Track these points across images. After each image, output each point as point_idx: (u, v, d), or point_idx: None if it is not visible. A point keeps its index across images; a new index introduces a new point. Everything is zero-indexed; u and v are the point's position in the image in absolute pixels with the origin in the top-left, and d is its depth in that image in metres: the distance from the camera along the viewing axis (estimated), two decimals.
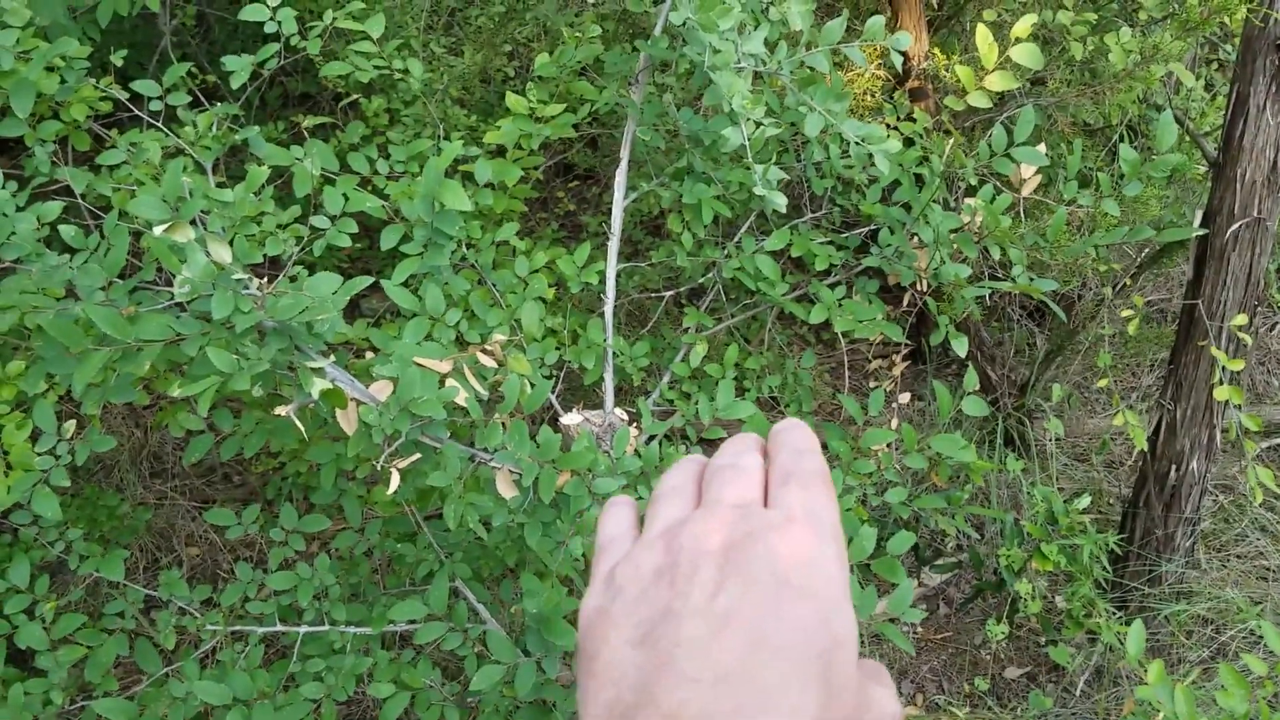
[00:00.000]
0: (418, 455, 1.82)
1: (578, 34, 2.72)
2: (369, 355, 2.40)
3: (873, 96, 3.15)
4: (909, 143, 2.85)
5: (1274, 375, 4.54)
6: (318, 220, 2.14)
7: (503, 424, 1.94)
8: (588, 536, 2.06)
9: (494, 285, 2.54)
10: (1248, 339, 2.93)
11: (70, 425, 1.84)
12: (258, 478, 4.57)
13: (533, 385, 2.28)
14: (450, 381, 2.01)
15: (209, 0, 5.29)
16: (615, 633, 0.45)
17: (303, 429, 1.71)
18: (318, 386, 1.67)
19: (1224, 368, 2.95)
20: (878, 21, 1.94)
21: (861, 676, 0.45)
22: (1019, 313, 4.51)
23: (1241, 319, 2.95)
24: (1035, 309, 4.50)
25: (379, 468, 1.71)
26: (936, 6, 3.39)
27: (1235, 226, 2.92)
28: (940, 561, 3.89)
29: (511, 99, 2.60)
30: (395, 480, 1.75)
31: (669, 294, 3.49)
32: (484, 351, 2.15)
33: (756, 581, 0.44)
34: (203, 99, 4.10)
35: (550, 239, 4.88)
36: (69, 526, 2.51)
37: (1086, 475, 4.25)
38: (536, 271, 2.62)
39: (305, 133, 2.14)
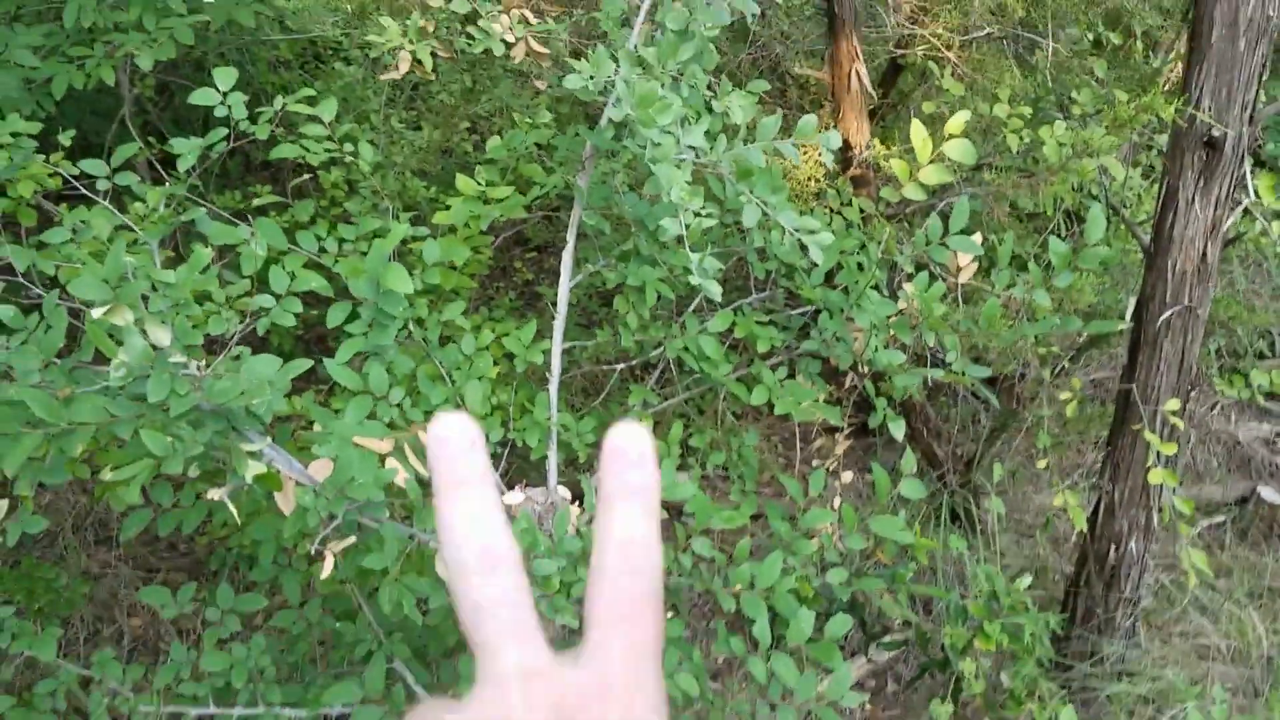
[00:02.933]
0: (353, 539, 1.82)
1: (528, 119, 2.79)
2: (316, 428, 2.40)
3: (817, 181, 3.23)
4: (850, 227, 2.92)
5: (1214, 455, 4.64)
6: (263, 298, 2.16)
7: None
8: None
9: (440, 362, 2.56)
10: (1180, 424, 3.00)
11: (2, 505, 1.83)
12: (203, 547, 4.51)
13: None
14: (390, 461, 2.02)
15: (170, 67, 5.34)
16: None
17: (235, 513, 1.71)
18: (252, 470, 1.68)
19: (1158, 452, 3.01)
20: (810, 121, 2.01)
21: None
22: (965, 388, 4.59)
23: (1174, 404, 3.03)
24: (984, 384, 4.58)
25: (313, 551, 1.71)
26: (880, 95, 3.50)
27: (1167, 314, 3.01)
28: (888, 639, 3.90)
29: (461, 181, 2.65)
30: (329, 564, 1.75)
31: (620, 366, 3.52)
32: (426, 430, 2.16)
33: None
34: (160, 170, 4.12)
35: (507, 308, 4.92)
36: (5, 601, 2.48)
37: (1033, 551, 4.30)
38: (484, 349, 2.65)
39: (250, 215, 2.17)
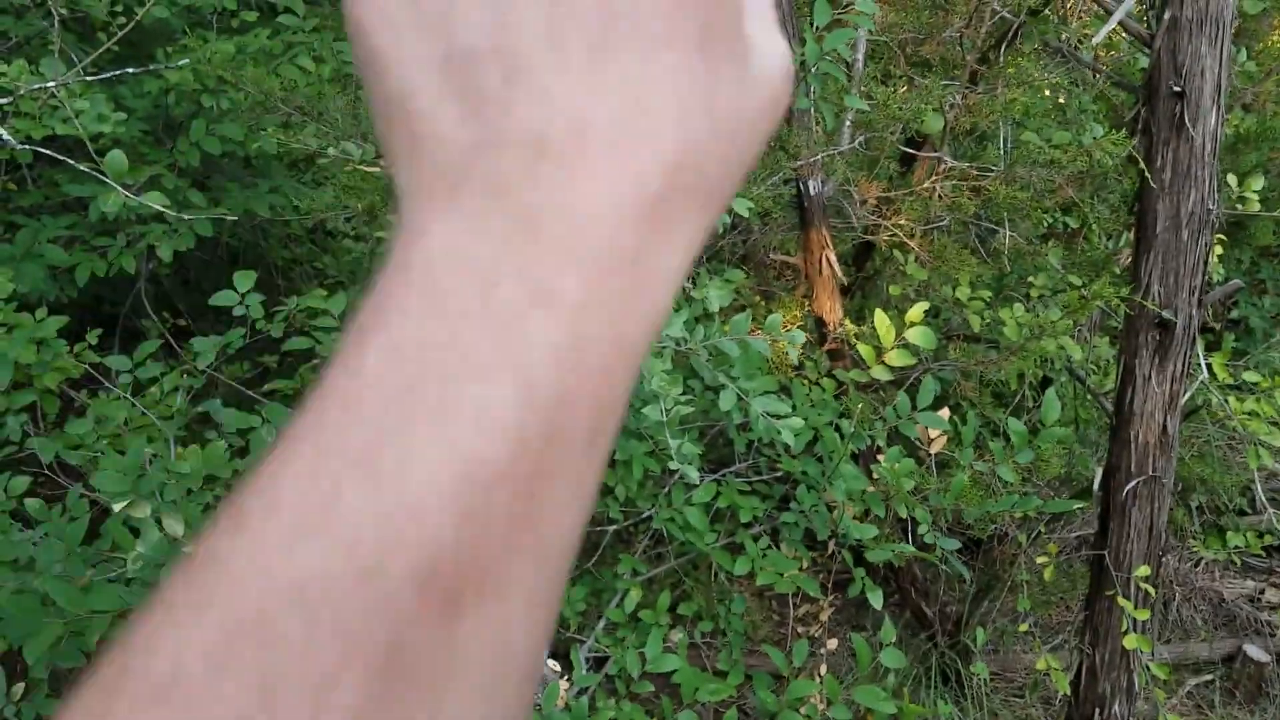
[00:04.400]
0: None
1: None
2: None
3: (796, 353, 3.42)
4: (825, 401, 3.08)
5: (1199, 612, 4.69)
6: None
7: None
8: None
9: None
10: (1152, 591, 3.10)
11: (19, 688, 1.93)
12: None
13: None
14: None
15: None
16: (412, 45, 0.32)
17: None
18: None
19: (1133, 618, 3.10)
20: (775, 320, 2.20)
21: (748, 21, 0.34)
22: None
23: (1145, 570, 3.13)
24: (967, 545, 4.67)
25: None
26: (855, 270, 3.73)
27: (1132, 484, 3.15)
28: None
29: None
30: None
31: (613, 528, 3.63)
32: None
33: None
34: (174, 342, 4.30)
35: None
36: None
37: (1024, 712, 4.31)
38: None
39: (238, 383, 2.33)
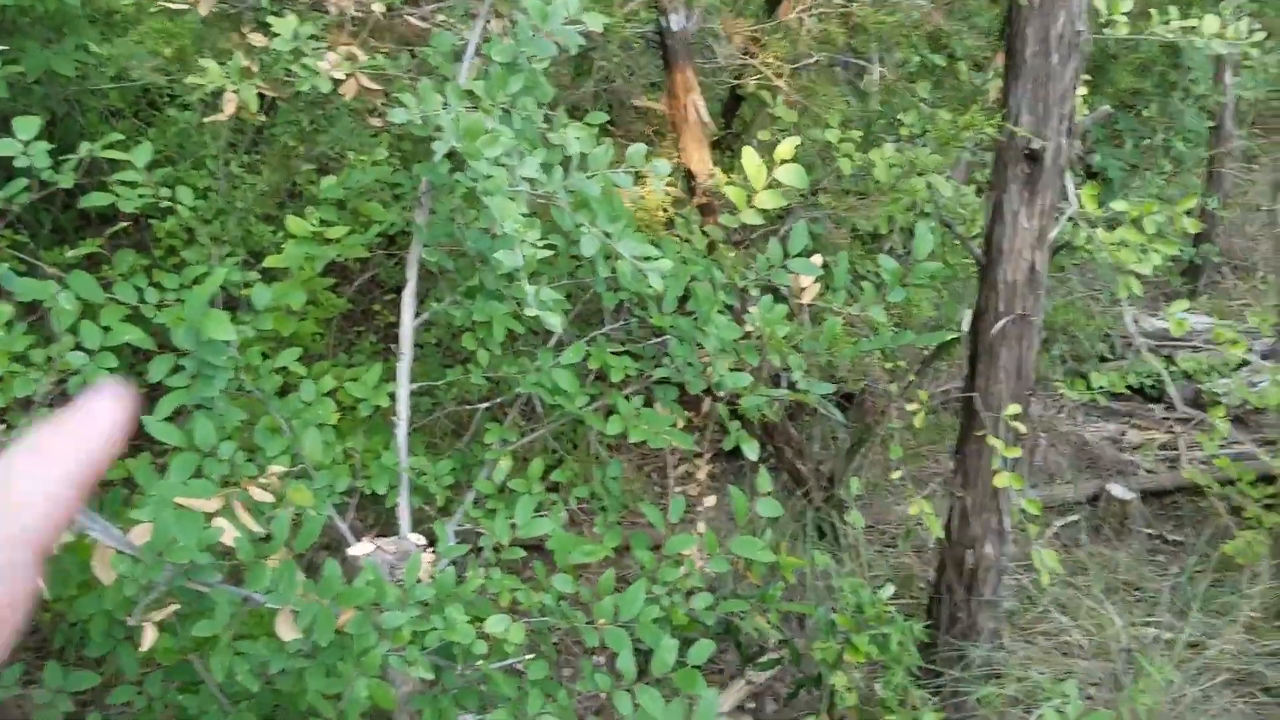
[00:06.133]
0: (175, 606, 1.72)
1: (363, 157, 2.73)
2: None
3: (666, 211, 3.26)
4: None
5: (1063, 456, 4.82)
6: (75, 356, 2.04)
7: (271, 564, 1.87)
8: (374, 678, 1.98)
9: (277, 412, 2.46)
10: (1022, 428, 3.11)
11: None
12: (48, 624, 4.25)
13: (316, 513, 2.21)
14: (218, 521, 1.93)
15: None
16: None
17: (43, 586, 1.59)
18: None
19: (1004, 456, 3.11)
20: (638, 149, 2.02)
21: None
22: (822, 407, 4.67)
23: (1015, 409, 3.13)
24: (839, 401, 4.66)
25: (130, 622, 1.61)
26: (723, 126, 3.56)
27: (1001, 323, 3.12)
28: (763, 659, 3.91)
29: (293, 222, 2.57)
30: (150, 635, 1.65)
31: (484, 406, 3.45)
32: (259, 485, 2.07)
33: None
34: None
35: (369, 353, 4.80)
36: None
37: (898, 561, 4.38)
38: (325, 395, 2.57)
39: (60, 270, 2.05)
